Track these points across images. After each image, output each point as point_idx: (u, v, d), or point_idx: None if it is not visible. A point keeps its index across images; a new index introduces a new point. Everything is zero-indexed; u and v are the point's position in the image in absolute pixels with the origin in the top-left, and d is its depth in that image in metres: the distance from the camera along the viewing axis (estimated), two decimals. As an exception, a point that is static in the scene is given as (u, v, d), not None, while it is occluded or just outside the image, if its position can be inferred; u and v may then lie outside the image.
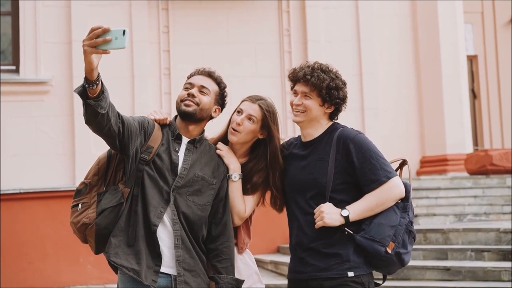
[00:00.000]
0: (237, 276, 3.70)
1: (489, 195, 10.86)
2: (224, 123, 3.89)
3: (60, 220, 8.97)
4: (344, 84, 3.69)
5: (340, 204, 3.53)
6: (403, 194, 3.55)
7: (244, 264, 3.83)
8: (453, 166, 11.91)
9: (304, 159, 3.69)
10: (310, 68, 3.65)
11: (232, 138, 3.79)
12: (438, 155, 12.01)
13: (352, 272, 3.51)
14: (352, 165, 3.55)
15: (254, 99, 3.81)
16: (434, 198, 10.77)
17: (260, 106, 3.78)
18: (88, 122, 3.37)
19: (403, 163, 3.82)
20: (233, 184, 3.73)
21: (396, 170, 3.76)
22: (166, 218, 3.55)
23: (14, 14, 10.01)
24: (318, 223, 3.51)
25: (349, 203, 3.54)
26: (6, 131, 9.64)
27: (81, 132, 9.42)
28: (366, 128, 10.49)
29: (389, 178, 3.51)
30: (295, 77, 3.69)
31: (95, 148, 8.96)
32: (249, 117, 3.76)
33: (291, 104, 3.70)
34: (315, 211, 3.54)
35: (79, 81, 3.31)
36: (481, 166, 11.60)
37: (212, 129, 3.93)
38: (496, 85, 14.40)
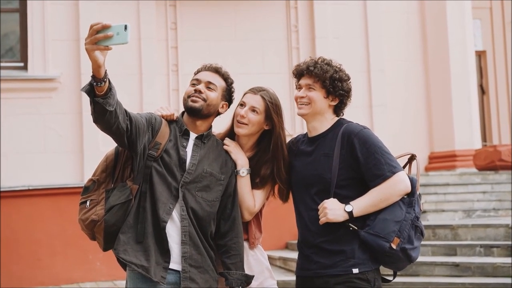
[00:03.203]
0: (247, 272, 3.70)
1: (498, 190, 10.82)
2: (230, 118, 3.89)
3: (68, 217, 8.97)
4: (348, 77, 3.68)
5: (345, 200, 3.52)
6: (408, 189, 3.52)
7: (256, 260, 3.83)
8: (462, 162, 11.88)
9: (310, 155, 3.68)
10: (313, 61, 3.67)
11: (239, 131, 3.78)
12: (447, 151, 11.99)
13: (357, 269, 3.50)
14: (356, 160, 3.53)
15: (256, 90, 3.81)
16: (442, 194, 10.72)
17: (262, 97, 3.78)
18: (96, 120, 3.35)
19: (412, 158, 3.78)
20: (242, 180, 3.73)
21: (405, 165, 3.74)
22: (175, 214, 3.55)
23: (22, 11, 10.03)
24: (322, 219, 3.50)
25: (354, 199, 3.52)
26: (14, 128, 9.65)
27: (89, 129, 9.42)
28: (374, 125, 10.47)
29: (394, 173, 3.49)
30: (299, 72, 3.69)
31: (103, 145, 8.95)
32: (252, 109, 3.76)
33: (296, 98, 3.70)
34: (318, 207, 3.54)
35: (87, 78, 3.28)
36: (490, 161, 11.56)
37: (218, 125, 3.92)
38: (505, 81, 14.34)
